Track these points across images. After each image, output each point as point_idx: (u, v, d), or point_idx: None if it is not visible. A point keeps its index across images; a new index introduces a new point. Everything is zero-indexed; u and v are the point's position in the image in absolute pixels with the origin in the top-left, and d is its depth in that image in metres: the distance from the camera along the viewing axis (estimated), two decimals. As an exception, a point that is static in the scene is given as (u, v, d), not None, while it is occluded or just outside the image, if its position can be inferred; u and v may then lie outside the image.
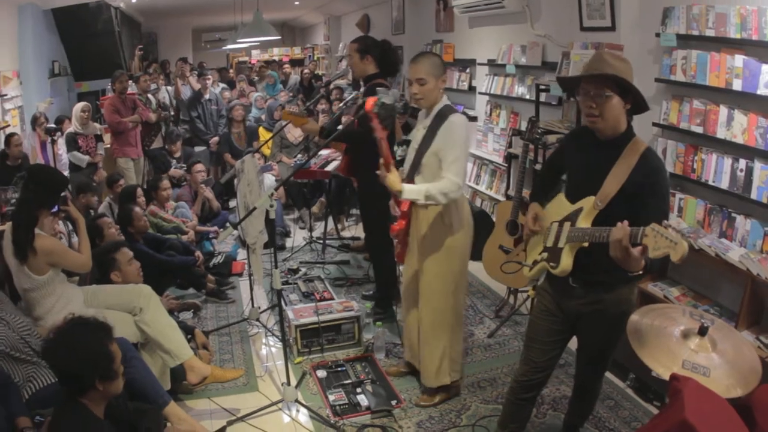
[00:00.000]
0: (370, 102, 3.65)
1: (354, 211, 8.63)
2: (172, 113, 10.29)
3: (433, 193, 3.64)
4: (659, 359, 2.64)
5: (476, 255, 4.30)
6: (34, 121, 8.33)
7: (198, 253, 6.25)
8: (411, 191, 3.66)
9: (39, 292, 3.97)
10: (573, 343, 3.37)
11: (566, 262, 2.92)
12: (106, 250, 4.64)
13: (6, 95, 7.96)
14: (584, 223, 2.87)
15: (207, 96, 10.15)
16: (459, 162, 3.76)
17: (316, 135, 5.54)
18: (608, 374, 3.81)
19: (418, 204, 3.82)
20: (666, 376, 2.51)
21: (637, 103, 2.83)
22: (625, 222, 2.56)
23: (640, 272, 2.73)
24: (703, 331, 2.67)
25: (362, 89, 5.38)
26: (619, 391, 4.35)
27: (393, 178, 3.64)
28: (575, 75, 3.10)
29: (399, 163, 4.08)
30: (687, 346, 2.66)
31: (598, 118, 2.81)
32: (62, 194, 4.33)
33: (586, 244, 2.83)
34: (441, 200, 3.70)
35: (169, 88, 11.03)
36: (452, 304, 4.10)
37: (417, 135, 3.98)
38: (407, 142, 4.08)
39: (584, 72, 2.87)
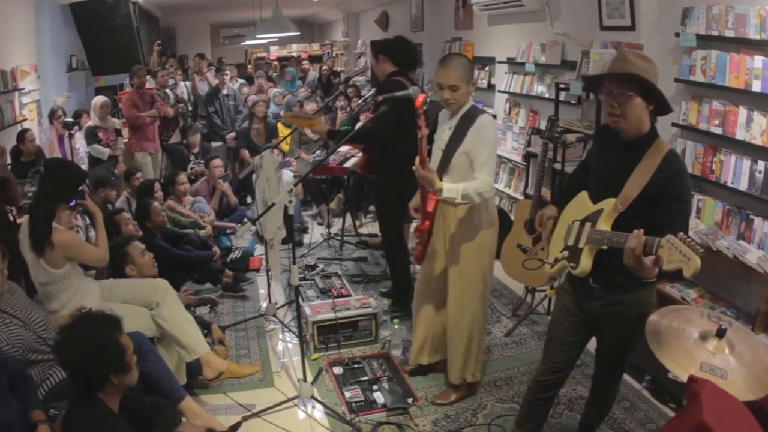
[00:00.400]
0: (420, 99, 3.64)
1: (372, 207, 8.59)
2: (190, 108, 10.32)
3: (469, 192, 3.67)
4: (677, 360, 2.63)
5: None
6: (52, 114, 8.40)
7: (215, 248, 6.28)
8: (449, 190, 3.68)
9: (56, 285, 3.99)
10: (590, 344, 3.36)
11: (585, 263, 2.91)
12: (117, 245, 4.65)
13: (23, 89, 8.00)
14: (604, 225, 2.86)
15: (225, 91, 10.18)
16: (490, 162, 3.80)
17: (325, 136, 5.57)
18: (624, 375, 3.80)
19: (454, 203, 3.84)
20: (684, 378, 2.51)
21: (660, 105, 2.81)
22: (641, 231, 2.56)
23: (654, 279, 2.73)
24: (721, 334, 2.65)
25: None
26: (635, 393, 4.34)
27: (435, 177, 3.67)
28: (600, 74, 3.09)
29: None
30: (705, 348, 2.65)
31: (620, 118, 2.80)
32: (80, 188, 4.34)
33: (605, 247, 2.82)
34: (476, 200, 3.73)
35: (186, 83, 11.07)
36: (480, 301, 4.13)
37: (442, 135, 3.99)
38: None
39: (608, 71, 2.87)
